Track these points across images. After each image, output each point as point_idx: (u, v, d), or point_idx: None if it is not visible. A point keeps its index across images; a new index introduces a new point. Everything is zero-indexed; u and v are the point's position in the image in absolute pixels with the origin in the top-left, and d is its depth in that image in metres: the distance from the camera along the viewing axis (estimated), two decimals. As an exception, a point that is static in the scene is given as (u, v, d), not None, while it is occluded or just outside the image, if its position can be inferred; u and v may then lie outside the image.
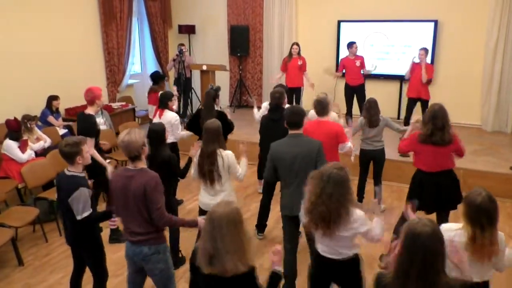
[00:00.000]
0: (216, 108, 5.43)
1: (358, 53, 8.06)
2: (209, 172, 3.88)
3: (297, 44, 8.22)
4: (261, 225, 5.11)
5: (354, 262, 2.94)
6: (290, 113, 3.76)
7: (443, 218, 4.15)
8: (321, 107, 4.35)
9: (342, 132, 4.30)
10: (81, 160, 3.31)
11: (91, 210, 3.29)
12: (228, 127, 5.28)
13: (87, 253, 3.48)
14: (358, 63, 7.92)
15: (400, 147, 4.41)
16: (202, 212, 4.13)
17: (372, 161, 5.51)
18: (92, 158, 3.98)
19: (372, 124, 5.30)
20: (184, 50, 8.63)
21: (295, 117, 3.73)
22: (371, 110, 5.29)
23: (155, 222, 3.08)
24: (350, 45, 7.96)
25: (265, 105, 5.84)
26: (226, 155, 3.90)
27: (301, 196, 2.97)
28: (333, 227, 2.72)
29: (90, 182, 3.65)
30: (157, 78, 7.15)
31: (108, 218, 3.57)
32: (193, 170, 4.09)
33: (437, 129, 3.92)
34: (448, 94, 8.01)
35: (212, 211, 2.24)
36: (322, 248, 2.95)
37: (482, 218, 2.51)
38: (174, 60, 8.74)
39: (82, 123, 4.71)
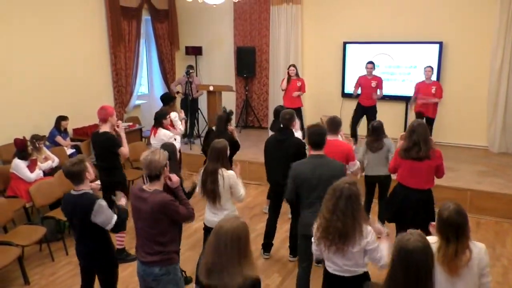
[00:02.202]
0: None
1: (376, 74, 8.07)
2: (212, 191, 3.92)
3: (294, 66, 8.29)
4: (267, 244, 5.09)
5: (364, 279, 2.92)
6: (313, 133, 3.71)
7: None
8: (334, 126, 4.39)
9: (352, 151, 4.38)
10: (89, 176, 3.35)
11: (115, 215, 3.34)
12: (234, 146, 5.31)
13: (103, 271, 3.50)
14: (374, 84, 7.85)
15: (389, 166, 4.50)
16: (206, 228, 4.18)
17: (377, 184, 5.46)
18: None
19: (373, 149, 5.22)
20: (191, 71, 8.73)
21: (318, 137, 3.69)
22: (374, 134, 5.26)
23: (185, 222, 3.33)
24: (366, 64, 7.95)
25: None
26: (227, 175, 3.93)
27: None
28: (348, 243, 2.72)
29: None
30: (167, 100, 7.23)
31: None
32: (198, 188, 4.13)
33: (414, 144, 4.02)
34: (454, 115, 8.04)
35: (219, 226, 2.24)
36: (332, 266, 2.93)
37: (449, 231, 2.52)
38: (180, 83, 8.84)
39: (104, 142, 4.82)
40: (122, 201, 3.55)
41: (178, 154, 5.61)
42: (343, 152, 4.26)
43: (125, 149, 4.91)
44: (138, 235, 3.22)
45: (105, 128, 4.87)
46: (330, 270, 2.96)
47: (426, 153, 4.00)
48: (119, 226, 3.37)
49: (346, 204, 2.69)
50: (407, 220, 4.12)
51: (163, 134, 5.49)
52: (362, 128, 8.01)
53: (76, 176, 3.29)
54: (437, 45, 8.32)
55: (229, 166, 4.04)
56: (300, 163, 3.78)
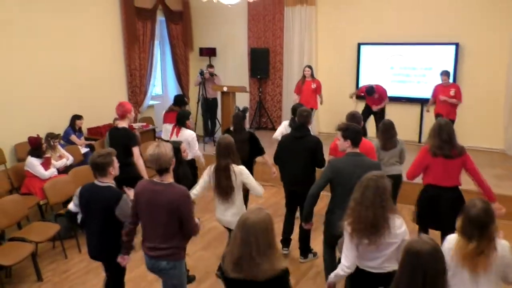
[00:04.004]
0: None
1: (377, 83, 8.02)
2: (227, 187, 3.91)
3: (309, 67, 8.28)
4: (286, 240, 5.04)
5: (392, 276, 2.86)
6: (354, 130, 3.67)
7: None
8: (356, 121, 4.31)
9: (374, 151, 4.33)
10: (113, 171, 3.37)
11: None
12: (259, 150, 5.29)
13: (110, 264, 3.50)
14: (376, 96, 7.78)
15: (408, 171, 4.33)
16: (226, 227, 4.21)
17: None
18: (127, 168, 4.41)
19: (387, 147, 5.12)
20: (205, 71, 8.75)
21: (361, 135, 3.69)
22: (386, 133, 5.15)
23: (189, 235, 3.16)
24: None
25: (286, 123, 5.85)
26: (239, 171, 3.93)
27: None
28: (380, 235, 2.69)
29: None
30: (180, 102, 7.24)
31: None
32: (198, 187, 4.09)
33: (444, 142, 3.99)
34: (471, 117, 7.93)
35: (245, 218, 2.24)
36: (364, 262, 2.88)
37: (472, 229, 2.45)
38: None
39: (122, 137, 4.87)
40: (130, 194, 3.54)
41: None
42: (366, 151, 4.13)
43: (140, 161, 4.93)
44: (147, 229, 3.18)
45: (123, 124, 4.98)
46: (359, 266, 2.91)
47: (458, 151, 4.00)
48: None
49: (374, 194, 2.68)
50: (440, 221, 4.07)
51: (188, 135, 5.46)
52: (371, 129, 7.90)
53: (99, 167, 3.32)
54: (453, 47, 8.21)
55: (239, 161, 4.02)
56: (340, 160, 3.74)
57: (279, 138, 5.25)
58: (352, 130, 3.68)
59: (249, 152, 5.05)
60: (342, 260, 2.92)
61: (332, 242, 3.81)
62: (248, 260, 2.17)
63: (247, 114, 5.92)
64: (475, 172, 4.10)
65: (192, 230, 3.13)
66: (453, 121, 7.15)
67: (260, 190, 4.05)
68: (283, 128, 5.84)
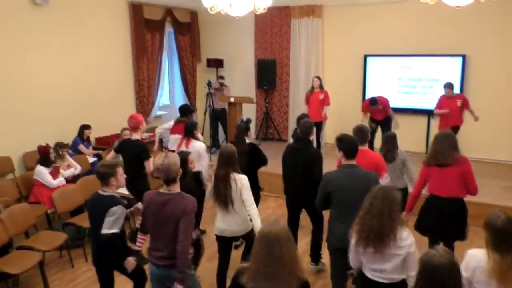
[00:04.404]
0: (248, 141, 5.37)
1: (383, 95, 8.02)
2: (224, 196, 3.90)
3: (318, 78, 8.29)
4: None
5: (402, 285, 2.86)
6: (348, 142, 3.64)
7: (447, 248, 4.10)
8: (362, 135, 4.30)
9: (383, 162, 4.32)
10: (115, 182, 3.40)
11: (119, 231, 3.35)
12: (261, 161, 5.29)
13: (121, 267, 3.52)
14: (380, 107, 7.75)
15: (414, 188, 4.42)
16: (217, 238, 4.18)
17: None
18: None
19: (386, 159, 5.02)
20: (212, 82, 8.82)
21: (353, 146, 3.64)
22: (387, 145, 5.15)
23: (177, 248, 3.04)
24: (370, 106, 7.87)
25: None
26: (239, 179, 3.93)
27: None
28: (385, 244, 2.70)
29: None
30: (186, 111, 7.27)
31: (124, 256, 3.48)
32: (208, 191, 4.14)
33: (436, 152, 4.09)
34: (478, 129, 7.89)
35: (267, 231, 2.22)
36: (371, 272, 2.90)
37: (502, 242, 2.42)
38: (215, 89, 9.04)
39: (135, 149, 4.91)
40: (139, 205, 3.59)
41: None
42: (374, 163, 4.15)
43: (151, 168, 4.97)
44: (155, 238, 3.21)
45: (136, 136, 5.01)
46: (369, 275, 2.92)
47: (449, 160, 4.02)
48: (112, 240, 3.30)
49: (382, 203, 2.70)
50: (440, 231, 4.09)
51: (199, 146, 5.46)
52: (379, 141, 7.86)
53: (101, 177, 3.40)
54: (460, 58, 8.21)
55: (240, 171, 4.03)
56: (333, 173, 3.73)
57: None
58: (345, 141, 3.64)
59: (248, 164, 5.02)
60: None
61: (333, 252, 3.82)
62: (276, 272, 2.15)
63: (252, 125, 5.89)
64: (471, 182, 4.11)
65: (180, 249, 3.00)
66: (459, 127, 7.16)
67: (256, 213, 3.96)
68: None
